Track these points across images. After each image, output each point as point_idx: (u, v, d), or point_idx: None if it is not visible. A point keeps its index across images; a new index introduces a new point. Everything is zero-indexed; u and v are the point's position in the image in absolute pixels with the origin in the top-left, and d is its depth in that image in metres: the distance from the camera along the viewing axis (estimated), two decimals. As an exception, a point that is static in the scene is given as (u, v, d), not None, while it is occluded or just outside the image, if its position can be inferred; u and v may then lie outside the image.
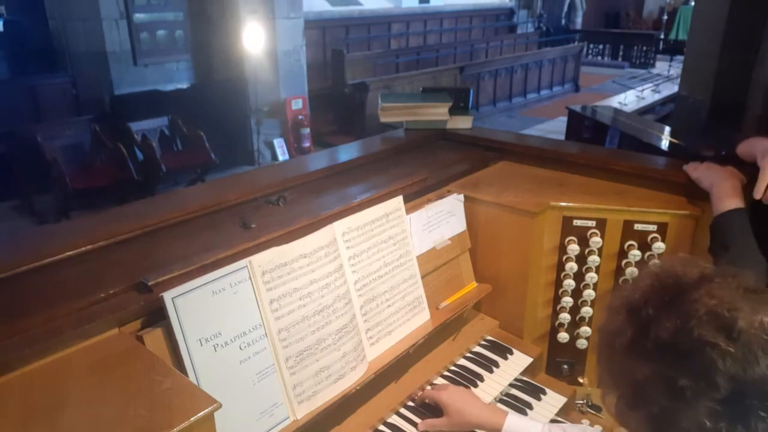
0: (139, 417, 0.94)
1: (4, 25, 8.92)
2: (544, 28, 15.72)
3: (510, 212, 1.77)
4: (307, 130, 8.18)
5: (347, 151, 2.22)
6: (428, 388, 1.63)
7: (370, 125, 8.12)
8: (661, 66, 15.48)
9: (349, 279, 1.50)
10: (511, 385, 1.74)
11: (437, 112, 2.29)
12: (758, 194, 1.43)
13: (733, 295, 0.83)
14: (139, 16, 7.11)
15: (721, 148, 1.69)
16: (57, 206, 6.11)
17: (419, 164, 2.00)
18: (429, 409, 1.57)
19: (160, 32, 7.39)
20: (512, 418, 1.43)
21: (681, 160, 1.78)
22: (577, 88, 13.38)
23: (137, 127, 6.64)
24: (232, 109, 7.73)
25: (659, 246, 1.68)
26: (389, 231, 1.62)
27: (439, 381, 1.68)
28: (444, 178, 1.91)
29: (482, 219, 1.85)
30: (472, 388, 1.67)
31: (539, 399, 1.72)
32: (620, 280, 1.75)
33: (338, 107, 9.23)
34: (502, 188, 1.87)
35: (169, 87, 7.40)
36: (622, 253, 1.73)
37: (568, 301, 1.79)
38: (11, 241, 1.53)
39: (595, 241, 1.72)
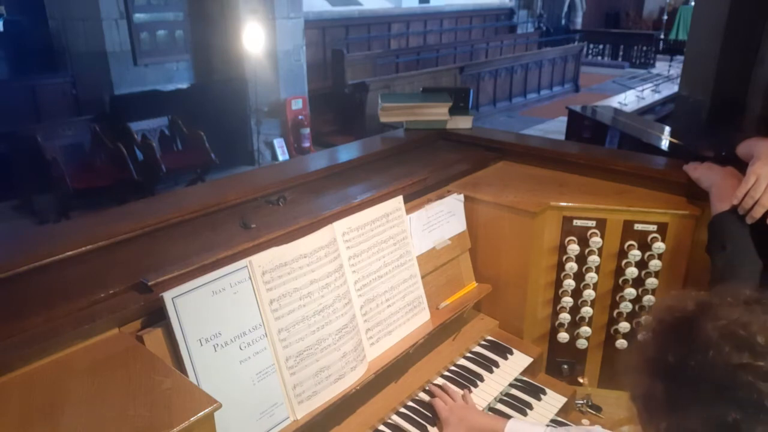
0: (139, 417, 0.94)
1: (4, 25, 8.93)
2: (544, 28, 15.73)
3: (510, 212, 1.77)
4: (307, 130, 8.18)
5: (347, 151, 2.22)
6: (434, 385, 1.64)
7: (370, 125, 8.12)
8: (661, 66, 15.49)
9: (349, 279, 1.50)
10: (511, 385, 1.74)
11: (437, 112, 2.29)
12: (735, 200, 1.43)
13: (738, 311, 0.80)
14: (139, 16, 7.11)
15: (721, 148, 1.69)
16: (57, 206, 6.11)
17: (419, 164, 2.00)
18: (429, 410, 1.57)
19: (160, 32, 7.39)
20: (513, 423, 1.44)
21: (681, 160, 1.78)
22: (577, 88, 13.38)
23: (137, 127, 6.64)
24: (232, 109, 7.73)
25: (659, 246, 1.68)
26: (389, 231, 1.62)
27: (439, 381, 1.68)
28: (444, 178, 1.91)
29: (482, 219, 1.85)
30: (472, 387, 1.67)
31: (539, 399, 1.72)
32: (620, 281, 1.75)
33: (338, 107, 9.23)
34: (502, 188, 1.87)
35: (169, 87, 7.41)
36: (622, 253, 1.73)
37: (568, 301, 1.79)
38: (11, 241, 1.53)
39: (595, 241, 1.72)
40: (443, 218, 1.79)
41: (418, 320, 1.67)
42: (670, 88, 11.75)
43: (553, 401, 1.71)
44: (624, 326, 1.77)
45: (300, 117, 8.13)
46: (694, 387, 0.79)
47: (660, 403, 0.83)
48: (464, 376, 1.71)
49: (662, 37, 17.36)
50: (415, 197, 1.80)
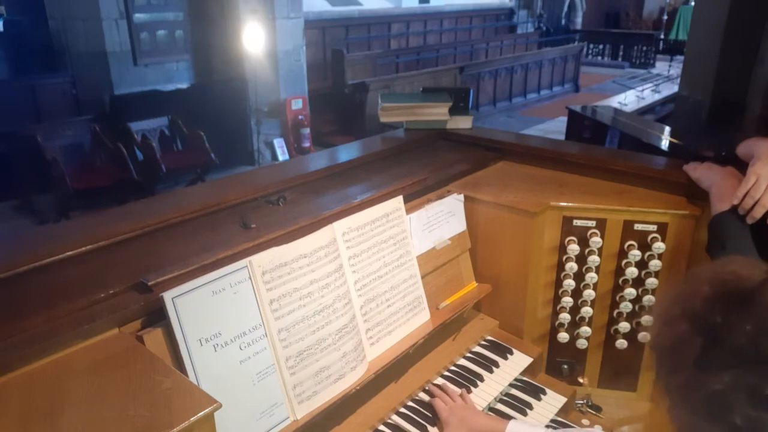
0: (139, 417, 0.94)
1: (4, 25, 8.93)
2: (544, 28, 15.73)
3: (510, 212, 1.77)
4: (307, 130, 8.18)
5: (347, 151, 2.22)
6: (434, 385, 1.64)
7: (370, 125, 8.13)
8: (661, 66, 15.49)
9: (349, 279, 1.50)
10: (511, 385, 1.74)
11: (437, 112, 2.29)
12: (736, 200, 1.43)
13: None
14: (139, 16, 7.11)
15: (721, 148, 1.69)
16: (57, 206, 6.11)
17: (419, 164, 2.00)
18: (429, 410, 1.57)
19: (160, 32, 7.39)
20: (513, 424, 1.44)
21: (681, 160, 1.78)
22: (577, 88, 13.38)
23: (137, 127, 6.64)
24: (232, 109, 7.73)
25: (659, 246, 1.68)
26: (389, 231, 1.62)
27: (439, 381, 1.68)
28: (444, 178, 1.91)
29: (482, 219, 1.85)
30: (472, 388, 1.67)
31: (539, 399, 1.72)
32: (620, 281, 1.75)
33: (338, 107, 9.23)
34: (502, 188, 1.87)
35: (169, 87, 7.41)
36: (622, 253, 1.73)
37: (568, 301, 1.79)
38: (11, 241, 1.53)
39: (595, 241, 1.72)
40: (443, 218, 1.79)
41: (418, 320, 1.67)
42: (670, 88, 11.76)
43: (553, 401, 1.72)
44: (624, 326, 1.77)
45: (300, 117, 8.13)
46: (737, 351, 0.78)
47: (690, 357, 0.82)
48: (464, 376, 1.71)
49: (662, 37, 17.36)
50: (415, 197, 1.80)
